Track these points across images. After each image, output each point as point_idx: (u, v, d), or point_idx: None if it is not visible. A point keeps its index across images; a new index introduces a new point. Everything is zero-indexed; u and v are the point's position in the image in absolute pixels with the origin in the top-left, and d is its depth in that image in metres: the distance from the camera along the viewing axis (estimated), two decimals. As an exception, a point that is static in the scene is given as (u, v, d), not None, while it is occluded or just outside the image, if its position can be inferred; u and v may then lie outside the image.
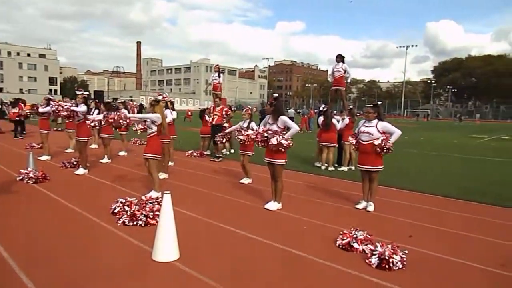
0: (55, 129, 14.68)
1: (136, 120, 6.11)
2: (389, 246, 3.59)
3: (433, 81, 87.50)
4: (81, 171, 7.43)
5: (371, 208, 5.44)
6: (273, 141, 5.12)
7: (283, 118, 5.31)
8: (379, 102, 5.76)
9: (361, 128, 5.49)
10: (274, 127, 5.29)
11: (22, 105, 14.07)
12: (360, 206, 5.56)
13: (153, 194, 5.63)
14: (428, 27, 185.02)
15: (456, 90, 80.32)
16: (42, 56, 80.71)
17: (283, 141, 5.14)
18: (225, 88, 57.28)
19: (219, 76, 11.21)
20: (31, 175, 6.54)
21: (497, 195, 6.52)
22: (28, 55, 78.38)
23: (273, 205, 5.41)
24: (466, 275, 3.47)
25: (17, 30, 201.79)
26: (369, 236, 3.95)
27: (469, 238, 4.46)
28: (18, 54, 76.28)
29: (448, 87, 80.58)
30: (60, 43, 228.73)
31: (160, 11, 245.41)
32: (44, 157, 8.93)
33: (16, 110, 14.01)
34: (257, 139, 5.36)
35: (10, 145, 11.81)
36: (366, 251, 3.72)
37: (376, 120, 5.38)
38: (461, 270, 3.55)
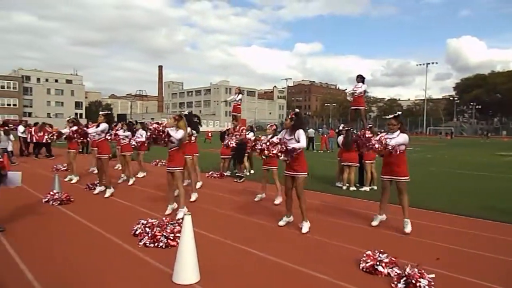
0: (80, 150, 15.07)
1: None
2: (416, 269, 3.46)
3: (456, 98, 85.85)
4: (108, 192, 7.48)
5: (408, 228, 5.09)
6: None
7: (299, 131, 5.08)
8: (399, 112, 5.49)
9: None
10: (293, 142, 5.08)
11: (49, 129, 14.68)
12: (375, 222, 5.34)
13: (180, 214, 5.69)
14: (449, 44, 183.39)
15: (480, 106, 78.40)
16: (69, 81, 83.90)
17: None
18: (245, 109, 57.86)
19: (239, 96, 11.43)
20: (56, 197, 6.73)
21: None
22: (56, 81, 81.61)
23: (304, 226, 5.17)
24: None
25: (46, 58, 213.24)
26: (394, 259, 3.83)
27: (497, 260, 4.25)
28: (46, 80, 79.53)
29: (472, 103, 78.72)
30: (86, 69, 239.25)
31: (182, 36, 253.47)
32: (74, 178, 9.20)
33: (41, 134, 14.81)
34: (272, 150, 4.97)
35: (36, 167, 12.19)
36: (391, 275, 3.60)
37: (398, 132, 5.19)
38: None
